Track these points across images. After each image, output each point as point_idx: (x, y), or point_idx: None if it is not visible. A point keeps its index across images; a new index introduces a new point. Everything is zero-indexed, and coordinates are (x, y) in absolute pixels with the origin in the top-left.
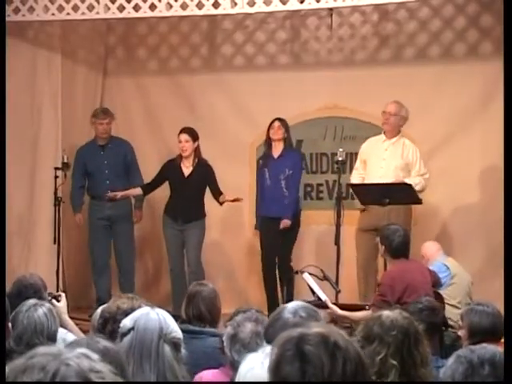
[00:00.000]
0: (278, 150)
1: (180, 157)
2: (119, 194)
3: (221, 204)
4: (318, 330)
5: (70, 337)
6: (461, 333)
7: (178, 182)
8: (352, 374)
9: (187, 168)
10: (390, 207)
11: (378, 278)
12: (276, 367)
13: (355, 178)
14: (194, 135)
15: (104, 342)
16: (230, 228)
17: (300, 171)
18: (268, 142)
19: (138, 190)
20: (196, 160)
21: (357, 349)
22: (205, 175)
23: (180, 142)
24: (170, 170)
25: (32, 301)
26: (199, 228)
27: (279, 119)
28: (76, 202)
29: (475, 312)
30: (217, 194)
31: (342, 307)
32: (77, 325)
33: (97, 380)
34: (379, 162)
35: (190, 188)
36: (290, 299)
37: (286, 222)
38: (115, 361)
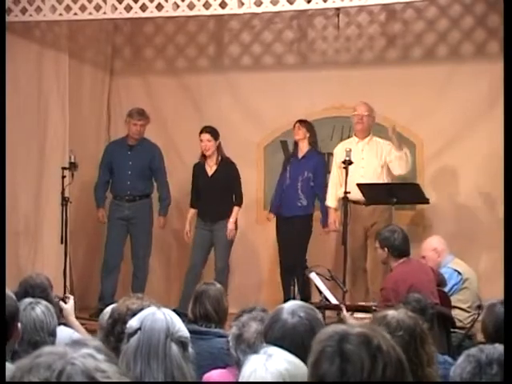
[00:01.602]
0: (302, 150)
1: (204, 157)
2: (188, 232)
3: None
4: (361, 330)
5: (77, 337)
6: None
7: (203, 182)
8: (391, 378)
9: (211, 167)
10: (373, 207)
11: (369, 280)
12: (315, 363)
13: (332, 188)
14: (214, 134)
15: (95, 343)
16: (239, 224)
17: (322, 173)
18: (295, 142)
19: (192, 211)
20: (219, 158)
21: (400, 354)
22: (230, 175)
23: (201, 141)
24: (197, 171)
25: (28, 299)
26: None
27: (300, 120)
28: (100, 197)
29: (493, 314)
30: (237, 200)
31: (349, 307)
32: (82, 325)
33: (102, 379)
34: (358, 162)
35: (215, 187)
36: (304, 299)
37: (328, 229)
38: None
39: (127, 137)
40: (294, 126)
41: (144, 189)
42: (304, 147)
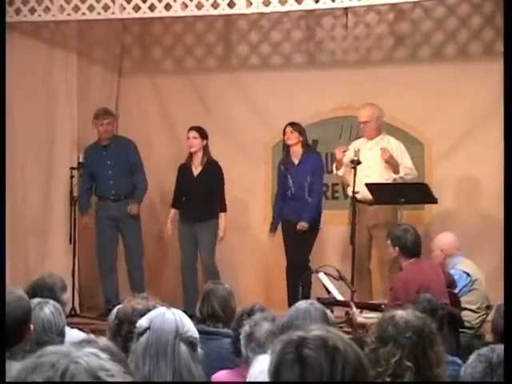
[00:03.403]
0: (297, 155)
1: (190, 157)
2: (169, 230)
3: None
4: (317, 333)
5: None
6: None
7: (188, 181)
8: (351, 377)
9: (196, 168)
10: (376, 207)
11: (373, 280)
12: (276, 371)
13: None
14: (202, 133)
15: (104, 342)
16: (240, 227)
17: (320, 175)
18: (285, 147)
19: (173, 212)
20: (205, 159)
21: (356, 351)
22: (214, 176)
23: (188, 138)
24: (181, 172)
25: (36, 300)
26: (212, 228)
27: (291, 124)
28: (83, 204)
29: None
30: (222, 207)
31: (358, 306)
32: (91, 324)
33: (106, 378)
34: (365, 161)
35: (200, 187)
36: (306, 298)
37: (302, 225)
38: (121, 360)
39: (99, 139)
40: (285, 131)
41: (128, 186)
42: (298, 151)
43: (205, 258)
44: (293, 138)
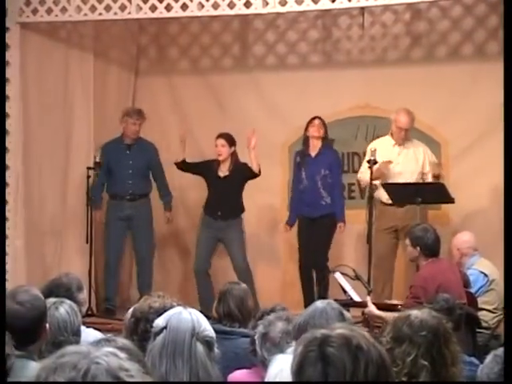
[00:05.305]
0: (315, 148)
1: (218, 162)
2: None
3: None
4: (340, 331)
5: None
6: None
7: (214, 181)
8: (374, 376)
9: (223, 172)
10: (406, 208)
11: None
12: (299, 369)
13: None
14: (230, 140)
15: (123, 341)
16: (264, 225)
17: (339, 171)
18: (306, 140)
19: (181, 160)
20: (231, 167)
21: (380, 351)
22: (241, 173)
23: (216, 146)
24: (208, 168)
25: (52, 299)
26: (238, 228)
27: (319, 117)
28: (97, 198)
29: None
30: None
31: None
32: (108, 324)
33: (126, 378)
34: (394, 166)
35: (226, 186)
36: (323, 298)
37: (342, 226)
38: (139, 359)
39: (123, 136)
40: (313, 123)
41: (144, 188)
42: (317, 145)
43: (236, 255)
44: (321, 131)
